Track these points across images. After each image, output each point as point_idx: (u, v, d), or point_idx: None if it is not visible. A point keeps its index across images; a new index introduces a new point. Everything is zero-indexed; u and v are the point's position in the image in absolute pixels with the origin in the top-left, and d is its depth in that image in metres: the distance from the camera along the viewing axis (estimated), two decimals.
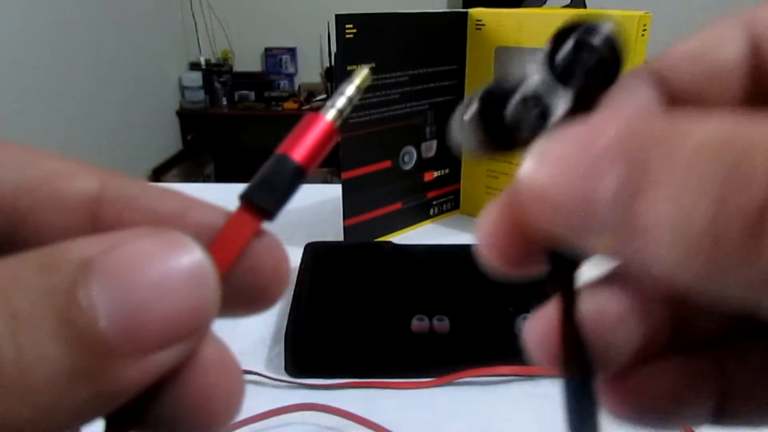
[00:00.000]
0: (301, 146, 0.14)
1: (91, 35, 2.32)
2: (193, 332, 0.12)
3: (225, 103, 3.12)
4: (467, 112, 0.15)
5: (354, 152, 0.58)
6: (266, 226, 0.14)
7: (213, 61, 3.12)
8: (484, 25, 0.61)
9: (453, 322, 0.43)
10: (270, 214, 0.14)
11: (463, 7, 0.79)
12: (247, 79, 3.15)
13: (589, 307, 0.14)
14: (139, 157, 2.68)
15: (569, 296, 0.14)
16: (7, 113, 1.86)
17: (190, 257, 0.12)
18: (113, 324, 0.11)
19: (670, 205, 0.10)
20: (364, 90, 0.16)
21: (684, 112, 0.11)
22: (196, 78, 3.05)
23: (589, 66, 0.14)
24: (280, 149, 0.14)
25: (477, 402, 0.41)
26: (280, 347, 0.44)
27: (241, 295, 0.14)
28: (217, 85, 3.08)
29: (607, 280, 0.15)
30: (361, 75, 0.16)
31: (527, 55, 0.61)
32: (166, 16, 2.91)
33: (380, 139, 0.60)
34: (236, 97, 3.12)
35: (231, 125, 3.26)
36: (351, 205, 0.59)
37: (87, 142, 2.28)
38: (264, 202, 0.14)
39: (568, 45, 0.14)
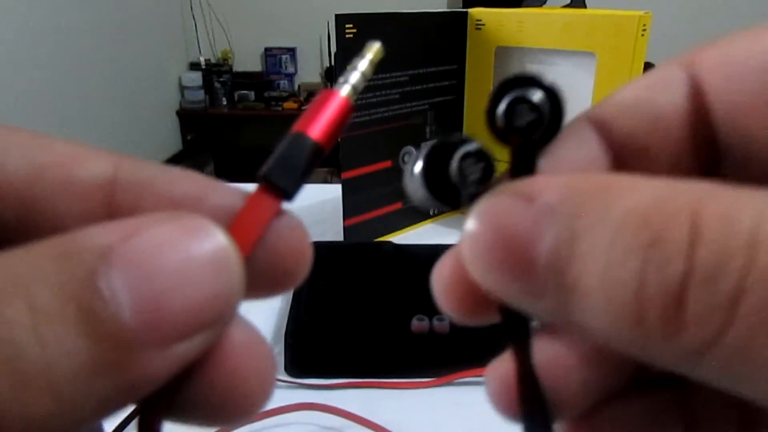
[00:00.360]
0: (318, 123, 0.14)
1: (91, 35, 2.32)
2: (218, 319, 0.12)
3: (225, 103, 3.12)
4: (414, 167, 0.14)
5: (354, 152, 0.58)
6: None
7: (213, 61, 3.12)
8: (484, 25, 0.61)
9: (453, 322, 0.43)
10: (289, 194, 0.14)
11: (463, 7, 0.79)
12: (247, 79, 3.15)
13: (543, 355, 0.15)
14: (139, 157, 2.66)
15: (523, 346, 0.14)
16: (7, 113, 1.86)
17: (212, 242, 0.11)
18: (136, 314, 0.10)
19: (598, 276, 0.11)
20: (377, 65, 0.15)
21: (618, 173, 0.12)
22: (196, 78, 3.05)
23: (528, 123, 0.14)
24: (295, 127, 0.14)
25: (477, 402, 0.41)
26: (280, 347, 0.44)
27: (262, 277, 0.14)
28: (217, 85, 3.08)
29: (561, 327, 0.15)
30: (373, 49, 0.15)
31: (527, 55, 0.61)
32: (166, 16, 2.91)
33: (380, 139, 0.60)
34: (236, 97, 3.12)
35: (231, 125, 3.25)
36: (351, 205, 0.59)
37: (87, 141, 2.28)
38: (283, 182, 0.13)
39: (506, 102, 0.14)
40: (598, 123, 0.15)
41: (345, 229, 0.60)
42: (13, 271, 0.10)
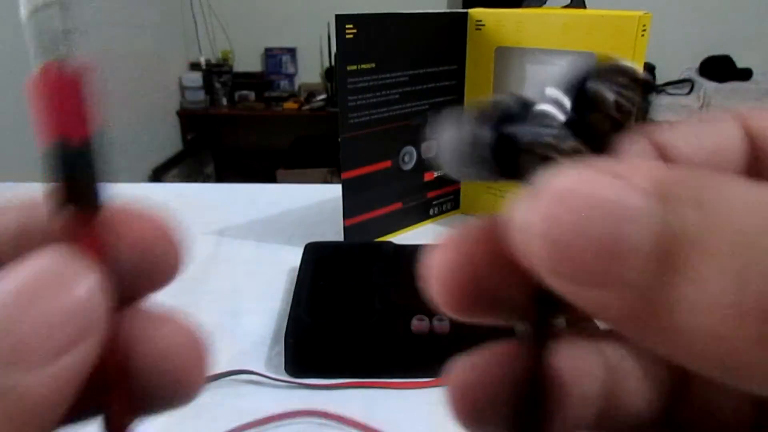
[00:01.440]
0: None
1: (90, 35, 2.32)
2: (83, 334, 0.11)
3: (225, 103, 3.11)
4: (463, 132, 0.12)
5: (354, 152, 0.58)
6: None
7: (213, 61, 3.12)
8: (484, 25, 0.61)
9: (453, 323, 0.43)
10: (93, 205, 0.12)
11: (463, 7, 0.79)
12: (247, 79, 3.14)
13: (567, 362, 0.13)
14: (139, 157, 2.68)
15: (540, 348, 0.12)
16: (7, 112, 1.86)
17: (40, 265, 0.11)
18: None
19: (725, 295, 0.09)
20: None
21: (707, 171, 0.10)
22: (196, 78, 3.05)
23: (618, 108, 0.12)
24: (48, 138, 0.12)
25: None
26: (280, 347, 0.44)
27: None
28: (218, 85, 3.08)
29: (607, 333, 0.14)
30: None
31: (527, 55, 0.61)
32: (166, 16, 2.91)
33: (380, 139, 0.60)
34: (236, 97, 3.12)
35: (231, 125, 3.25)
36: (351, 205, 0.59)
37: None
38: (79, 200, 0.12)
39: (597, 86, 0.12)
40: (655, 143, 0.14)
41: (345, 229, 0.60)
42: None
